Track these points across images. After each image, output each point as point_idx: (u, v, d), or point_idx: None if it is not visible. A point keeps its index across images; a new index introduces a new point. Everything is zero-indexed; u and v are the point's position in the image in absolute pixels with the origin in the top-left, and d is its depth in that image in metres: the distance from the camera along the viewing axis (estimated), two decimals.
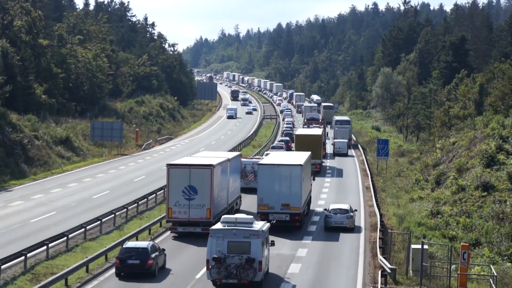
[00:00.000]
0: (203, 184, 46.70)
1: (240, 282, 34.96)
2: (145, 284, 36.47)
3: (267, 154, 74.79)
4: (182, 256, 42.73)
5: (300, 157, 55.36)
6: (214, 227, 36.09)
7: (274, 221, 49.42)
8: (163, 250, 39.44)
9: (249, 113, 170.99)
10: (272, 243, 38.84)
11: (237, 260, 34.82)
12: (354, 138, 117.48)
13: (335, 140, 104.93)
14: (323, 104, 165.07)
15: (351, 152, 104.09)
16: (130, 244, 38.36)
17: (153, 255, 37.32)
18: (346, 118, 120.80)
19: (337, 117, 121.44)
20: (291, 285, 36.93)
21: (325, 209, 53.48)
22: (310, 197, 58.82)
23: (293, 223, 50.12)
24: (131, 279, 36.98)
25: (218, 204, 48.76)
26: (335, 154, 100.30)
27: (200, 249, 42.43)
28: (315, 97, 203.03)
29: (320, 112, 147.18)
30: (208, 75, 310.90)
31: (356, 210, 54.22)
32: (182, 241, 46.59)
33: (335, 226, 51.00)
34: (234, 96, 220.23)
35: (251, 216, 37.22)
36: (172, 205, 46.93)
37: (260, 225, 36.53)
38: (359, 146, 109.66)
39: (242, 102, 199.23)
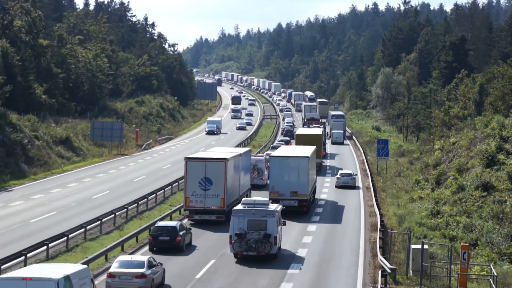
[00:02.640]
0: (217, 176, 51.28)
1: (258, 254, 40.70)
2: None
3: (267, 154, 76.04)
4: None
5: (306, 150, 61.78)
6: (235, 208, 41.87)
7: (284, 207, 52.18)
8: (190, 229, 45.31)
9: (241, 128, 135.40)
10: (284, 223, 44.28)
11: (256, 235, 40.62)
12: (349, 130, 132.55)
13: (333, 131, 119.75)
14: (318, 100, 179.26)
15: (346, 141, 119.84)
16: (161, 223, 44.18)
17: (181, 233, 42.90)
18: (340, 113, 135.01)
19: (332, 112, 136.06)
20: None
21: (335, 175, 75.16)
22: (315, 187, 65.07)
23: (300, 209, 56.13)
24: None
25: (231, 194, 53.17)
26: (333, 143, 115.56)
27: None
28: (308, 93, 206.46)
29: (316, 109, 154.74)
30: (217, 77, 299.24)
31: (356, 175, 76.38)
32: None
33: (342, 185, 71.42)
34: (236, 103, 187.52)
35: (267, 199, 44.09)
36: (190, 195, 51.47)
37: (274, 206, 42.50)
38: (354, 137, 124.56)
39: (232, 114, 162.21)
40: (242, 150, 62.17)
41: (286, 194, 55.94)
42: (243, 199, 43.49)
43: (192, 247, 44.53)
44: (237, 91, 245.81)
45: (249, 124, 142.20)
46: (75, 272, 27.36)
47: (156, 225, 44.20)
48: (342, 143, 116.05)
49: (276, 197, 54.95)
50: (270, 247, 40.65)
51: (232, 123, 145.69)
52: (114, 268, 34.08)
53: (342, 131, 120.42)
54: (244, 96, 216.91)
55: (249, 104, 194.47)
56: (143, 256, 36.58)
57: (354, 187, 71.72)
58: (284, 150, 64.58)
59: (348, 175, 72.80)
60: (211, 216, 51.45)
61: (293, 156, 58.42)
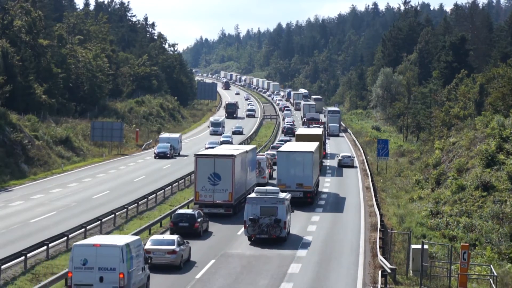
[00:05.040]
0: (226, 171, 54.26)
1: (270, 237, 45.30)
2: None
3: (268, 154, 79.15)
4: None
5: (311, 146, 66.07)
6: (249, 196, 46.94)
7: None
8: (206, 217, 49.86)
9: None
10: (293, 210, 48.93)
11: (268, 220, 45.30)
12: (343, 125, 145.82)
13: (329, 125, 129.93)
14: (313, 96, 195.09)
15: (341, 133, 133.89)
16: (181, 211, 48.82)
17: (199, 220, 47.30)
18: (336, 108, 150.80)
19: (329, 108, 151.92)
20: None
21: (337, 155, 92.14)
22: (319, 180, 69.75)
23: (305, 199, 60.29)
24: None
25: (239, 189, 56.14)
26: (329, 135, 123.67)
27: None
28: (302, 90, 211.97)
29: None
30: (225, 80, 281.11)
31: (354, 157, 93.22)
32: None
33: (344, 165, 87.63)
34: (230, 111, 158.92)
35: (278, 188, 49.31)
36: (199, 190, 54.35)
37: (284, 195, 47.32)
38: (349, 130, 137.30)
39: (212, 129, 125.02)
40: (248, 147, 65.28)
41: (292, 186, 59.75)
42: (256, 188, 48.49)
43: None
44: (244, 97, 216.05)
45: (226, 142, 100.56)
46: (132, 241, 32.76)
47: (176, 212, 48.57)
48: (338, 135, 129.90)
49: (283, 188, 56.82)
50: (280, 231, 45.34)
51: (208, 141, 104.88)
52: (149, 245, 39.04)
53: (338, 125, 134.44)
54: (249, 103, 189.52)
55: (248, 115, 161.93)
56: (173, 235, 41.69)
57: (352, 166, 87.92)
58: (290, 146, 69.44)
59: (347, 157, 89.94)
60: (220, 209, 54.37)
61: (299, 151, 62.67)
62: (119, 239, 33.03)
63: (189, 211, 48.77)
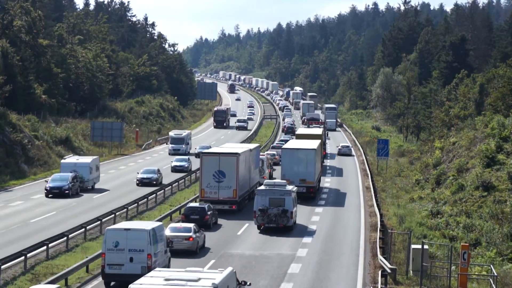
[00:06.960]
0: (230, 169, 55.94)
1: (277, 226, 48.91)
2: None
3: (268, 154, 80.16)
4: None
5: (313, 143, 68.88)
6: (259, 188, 51.16)
7: None
8: (216, 211, 52.03)
9: (144, 181, 68.09)
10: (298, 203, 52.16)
11: (276, 211, 48.78)
12: (339, 120, 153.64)
13: (327, 120, 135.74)
14: (309, 94, 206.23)
15: (338, 128, 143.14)
16: (192, 204, 51.67)
17: (209, 213, 49.94)
18: (333, 105, 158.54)
19: (326, 105, 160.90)
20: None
21: (337, 146, 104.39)
22: (320, 177, 72.31)
23: (308, 194, 62.98)
24: None
25: (243, 186, 57.97)
26: (327, 129, 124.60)
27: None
28: (298, 88, 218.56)
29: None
30: (230, 83, 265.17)
31: (352, 147, 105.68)
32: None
33: (343, 153, 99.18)
34: (219, 120, 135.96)
35: (285, 181, 53.04)
36: (204, 187, 56.09)
37: (291, 187, 51.11)
38: (344, 126, 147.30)
39: (172, 147, 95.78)
40: (252, 145, 67.09)
41: (295, 181, 61.04)
42: (265, 181, 52.76)
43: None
44: (247, 104, 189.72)
45: (179, 169, 77.61)
46: (157, 226, 36.57)
47: (187, 206, 51.26)
48: (334, 130, 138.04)
49: (287, 184, 57.67)
50: (287, 220, 48.74)
51: (161, 165, 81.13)
52: (168, 232, 41.94)
53: (335, 120, 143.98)
54: (249, 112, 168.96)
55: (238, 127, 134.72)
56: (189, 224, 44.51)
57: (350, 154, 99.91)
58: (294, 143, 71.70)
59: (346, 146, 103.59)
60: (224, 206, 55.91)
61: (302, 148, 65.40)
62: (146, 224, 36.89)
63: (200, 204, 51.27)
